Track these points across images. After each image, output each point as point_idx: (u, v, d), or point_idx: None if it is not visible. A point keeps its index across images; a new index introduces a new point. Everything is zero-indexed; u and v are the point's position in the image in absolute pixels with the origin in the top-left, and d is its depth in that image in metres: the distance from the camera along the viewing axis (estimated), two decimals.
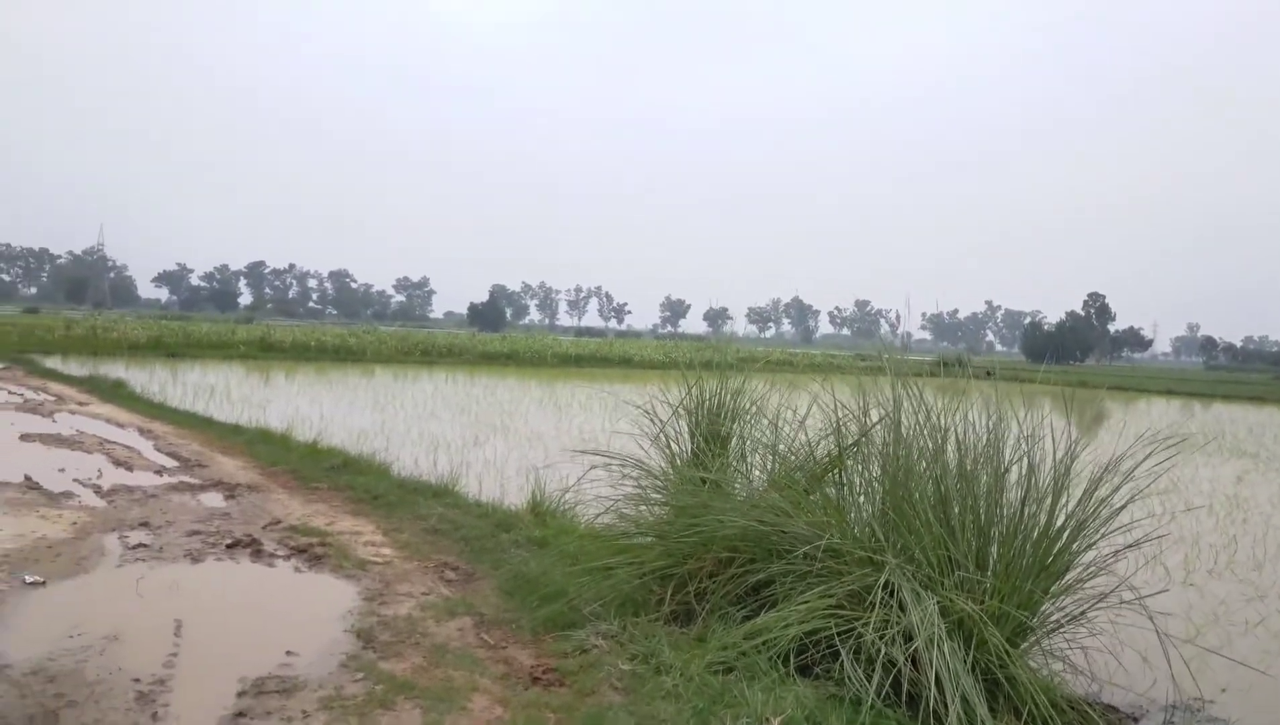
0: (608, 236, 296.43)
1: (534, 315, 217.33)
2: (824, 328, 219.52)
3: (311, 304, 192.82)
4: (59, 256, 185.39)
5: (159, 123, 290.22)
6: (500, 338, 65.06)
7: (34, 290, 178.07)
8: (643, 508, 6.53)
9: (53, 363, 27.22)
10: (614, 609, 5.62)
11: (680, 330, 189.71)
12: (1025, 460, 5.17)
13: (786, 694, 4.33)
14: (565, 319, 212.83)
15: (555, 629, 5.57)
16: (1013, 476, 5.21)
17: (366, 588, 6.39)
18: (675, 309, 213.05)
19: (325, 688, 4.66)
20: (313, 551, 7.19)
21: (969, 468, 5.27)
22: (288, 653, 5.09)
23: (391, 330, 72.62)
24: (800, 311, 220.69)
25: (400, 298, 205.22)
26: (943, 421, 5.48)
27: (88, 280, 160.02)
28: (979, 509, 5.13)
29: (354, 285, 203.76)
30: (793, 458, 6.19)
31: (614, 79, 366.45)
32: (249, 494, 9.29)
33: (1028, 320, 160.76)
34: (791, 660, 4.68)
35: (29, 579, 6.11)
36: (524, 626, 5.68)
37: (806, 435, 6.18)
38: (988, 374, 7.12)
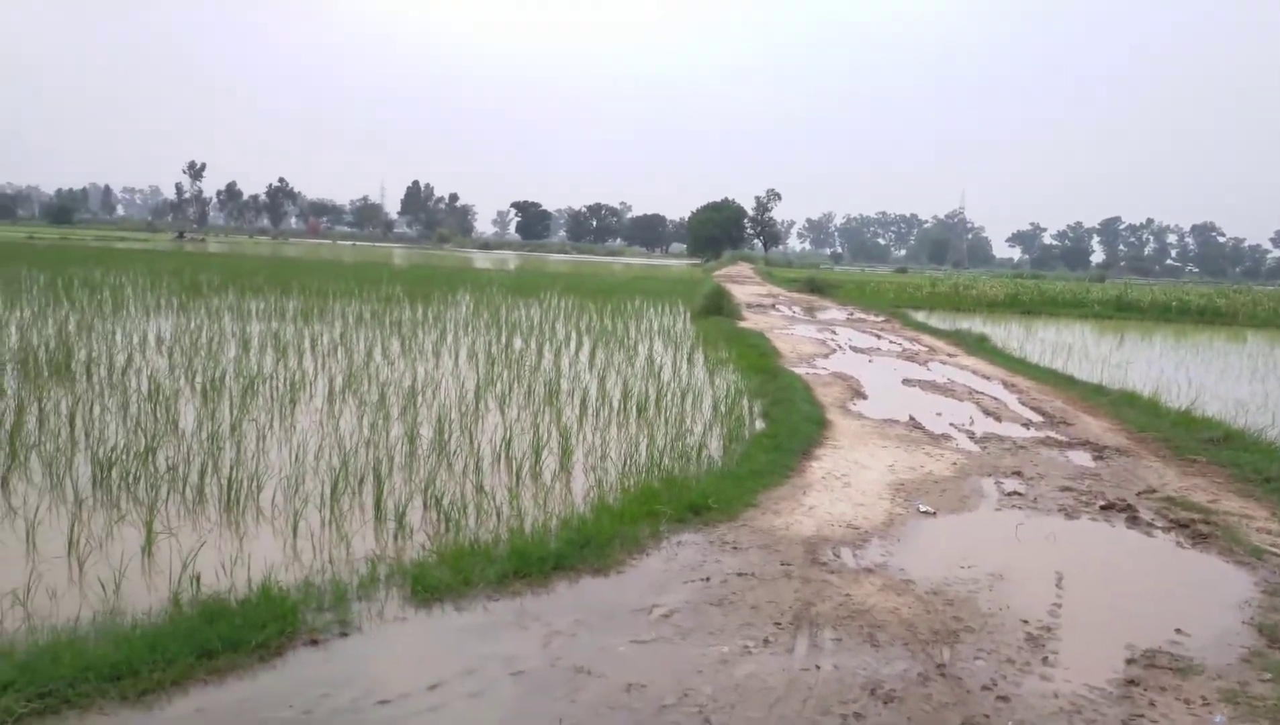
0: None
1: None
2: None
3: (1169, 261, 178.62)
4: (925, 221, 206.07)
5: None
6: None
7: (902, 252, 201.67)
8: None
9: (921, 316, 30.32)
10: None
11: None
12: None
13: None
14: None
15: None
16: None
17: (1265, 580, 5.61)
18: None
19: (1225, 678, 4.21)
20: (1195, 528, 6.59)
21: None
22: (1177, 630, 4.75)
23: (1270, 290, 62.91)
24: None
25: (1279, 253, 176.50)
26: None
27: (948, 241, 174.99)
28: None
29: (1221, 240, 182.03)
30: None
31: None
32: (1118, 457, 8.98)
33: None
34: None
35: (922, 508, 6.87)
36: None
37: None
38: None
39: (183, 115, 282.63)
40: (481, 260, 71.13)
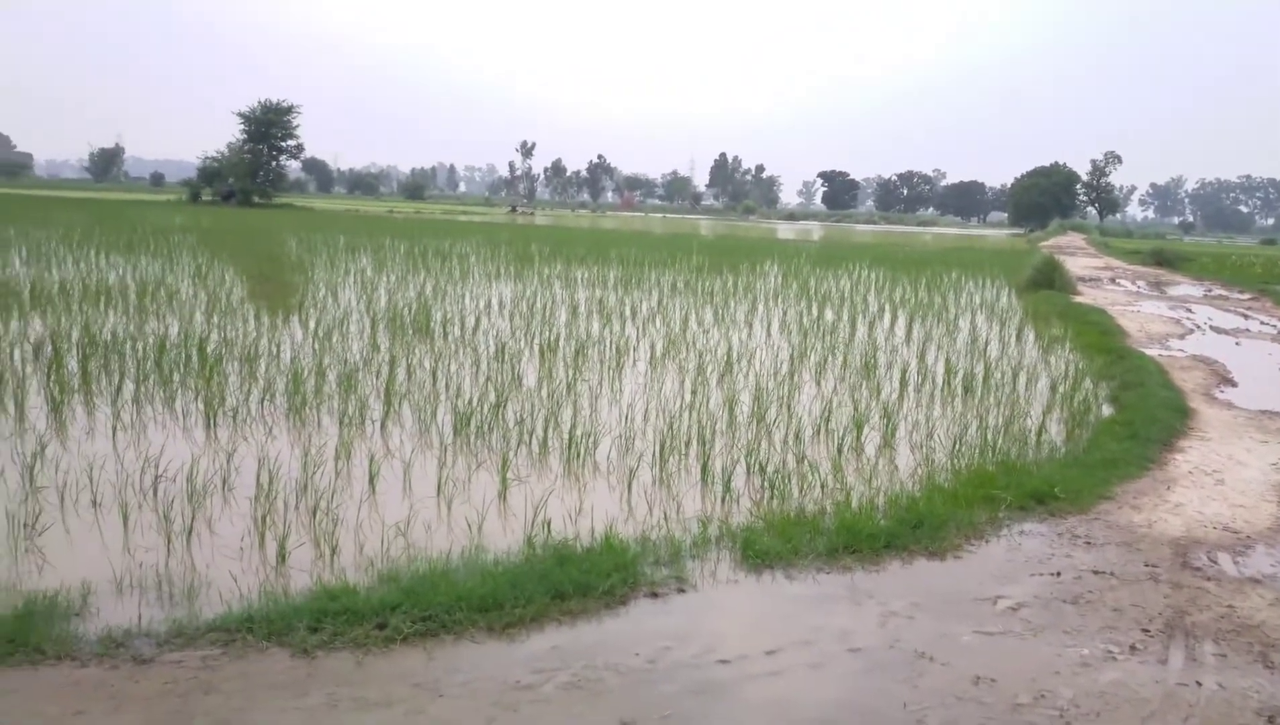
0: None
1: None
2: None
3: None
4: None
5: None
6: None
7: (1270, 221, 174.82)
8: None
9: None
10: None
11: None
12: None
13: None
14: None
15: None
16: None
17: None
18: None
19: None
20: None
21: None
22: None
23: None
24: None
25: None
26: None
27: None
28: None
29: None
30: None
31: None
32: None
33: None
34: None
35: None
36: None
37: None
38: None
39: (518, 100, 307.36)
40: (785, 231, 70.90)
